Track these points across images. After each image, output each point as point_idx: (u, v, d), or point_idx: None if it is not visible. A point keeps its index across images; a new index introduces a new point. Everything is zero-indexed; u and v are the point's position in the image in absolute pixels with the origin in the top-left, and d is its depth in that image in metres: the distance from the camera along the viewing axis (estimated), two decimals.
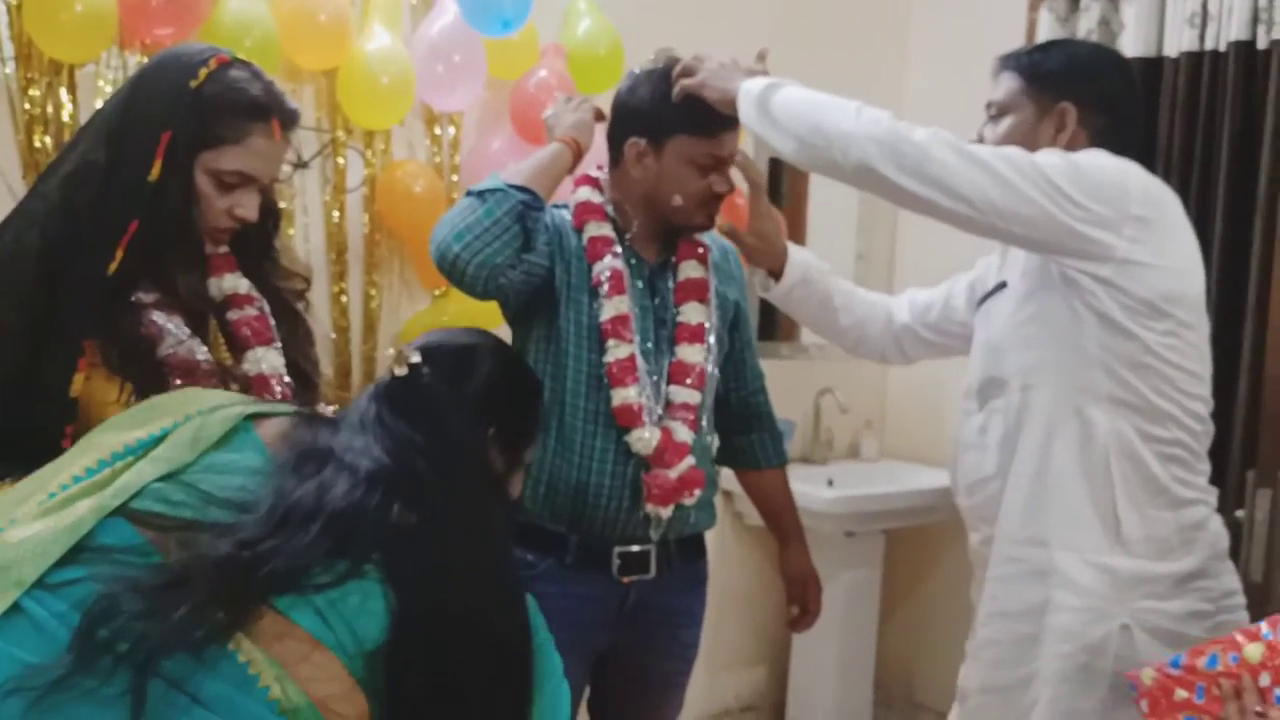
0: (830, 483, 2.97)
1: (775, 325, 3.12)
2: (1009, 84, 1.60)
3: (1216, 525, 1.52)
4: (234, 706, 0.82)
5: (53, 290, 1.23)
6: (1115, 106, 1.57)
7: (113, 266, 1.25)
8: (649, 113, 1.65)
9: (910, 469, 3.13)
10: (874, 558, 3.05)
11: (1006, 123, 1.59)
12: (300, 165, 2.22)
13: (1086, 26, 2.62)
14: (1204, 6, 2.41)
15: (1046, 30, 2.70)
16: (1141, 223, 1.43)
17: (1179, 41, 2.46)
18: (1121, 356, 1.45)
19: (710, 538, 1.83)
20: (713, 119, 1.62)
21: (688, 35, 2.57)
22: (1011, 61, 1.61)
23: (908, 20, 3.26)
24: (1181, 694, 1.26)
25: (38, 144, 1.93)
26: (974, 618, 1.61)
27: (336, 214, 2.30)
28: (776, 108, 1.49)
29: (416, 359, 1.07)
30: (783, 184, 3.07)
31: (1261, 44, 2.32)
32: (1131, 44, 2.53)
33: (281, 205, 2.18)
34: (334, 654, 0.85)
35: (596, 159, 1.78)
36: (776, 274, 1.82)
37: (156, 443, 0.97)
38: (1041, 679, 1.47)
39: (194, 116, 1.27)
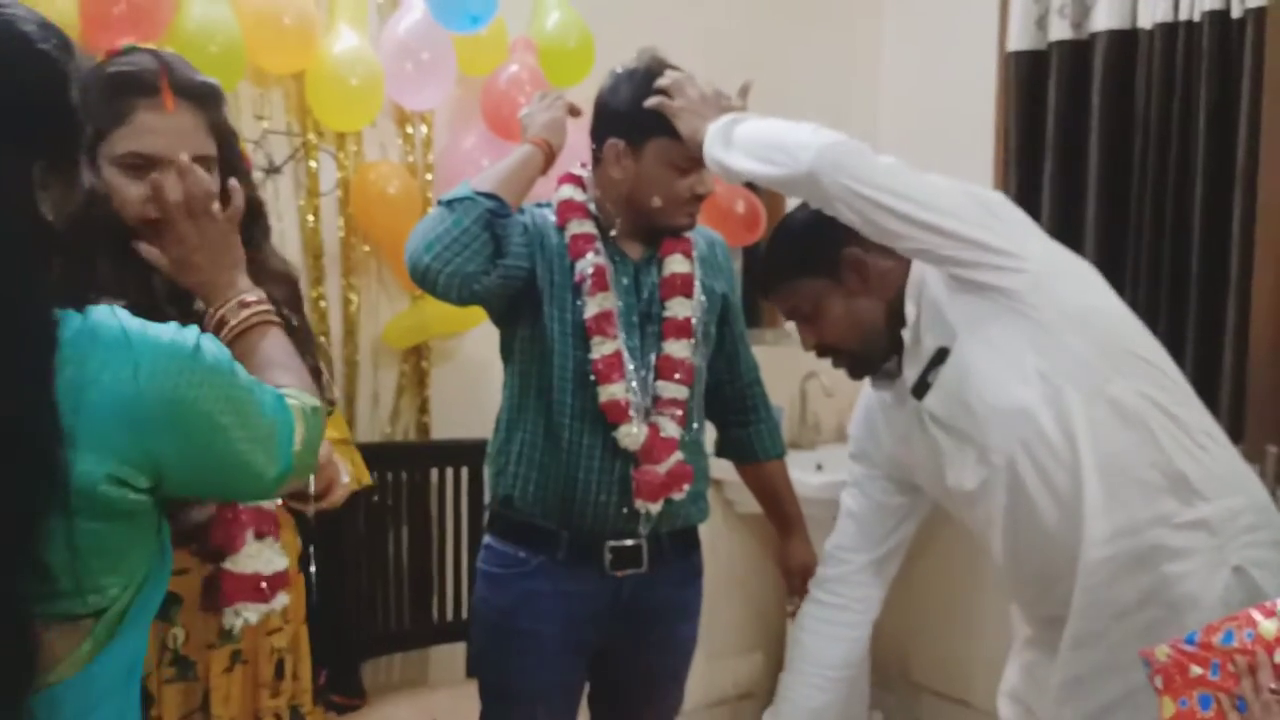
0: (819, 467, 2.97)
1: (758, 312, 3.10)
2: (796, 290, 1.57)
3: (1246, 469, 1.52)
4: None
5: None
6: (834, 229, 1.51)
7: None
8: (628, 114, 1.64)
9: None
10: None
11: (825, 310, 1.55)
12: (273, 170, 2.20)
13: (1059, 1, 2.61)
14: None
15: (1020, 5, 2.69)
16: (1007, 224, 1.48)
17: (1153, 13, 2.45)
18: (1095, 337, 1.45)
19: (703, 528, 1.83)
20: None
21: (657, 25, 2.56)
22: (760, 287, 1.66)
23: (881, 3, 3.24)
24: (1196, 670, 1.24)
25: None
26: (1064, 641, 1.49)
27: (311, 218, 2.27)
28: (737, 135, 1.51)
29: None
30: None
31: (1236, 13, 2.31)
32: (1105, 17, 2.52)
33: None
34: None
35: (580, 156, 1.77)
36: None
37: None
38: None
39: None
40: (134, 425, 0.90)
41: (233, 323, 1.16)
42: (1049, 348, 1.44)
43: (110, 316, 0.92)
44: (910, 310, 1.51)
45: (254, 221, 1.34)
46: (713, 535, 2.86)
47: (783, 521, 1.93)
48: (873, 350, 1.56)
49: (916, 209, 1.41)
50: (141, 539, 0.96)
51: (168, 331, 0.94)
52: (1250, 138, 2.29)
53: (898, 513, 1.71)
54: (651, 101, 1.61)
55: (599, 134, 1.69)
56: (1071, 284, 1.48)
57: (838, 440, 3.26)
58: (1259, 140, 2.27)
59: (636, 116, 1.63)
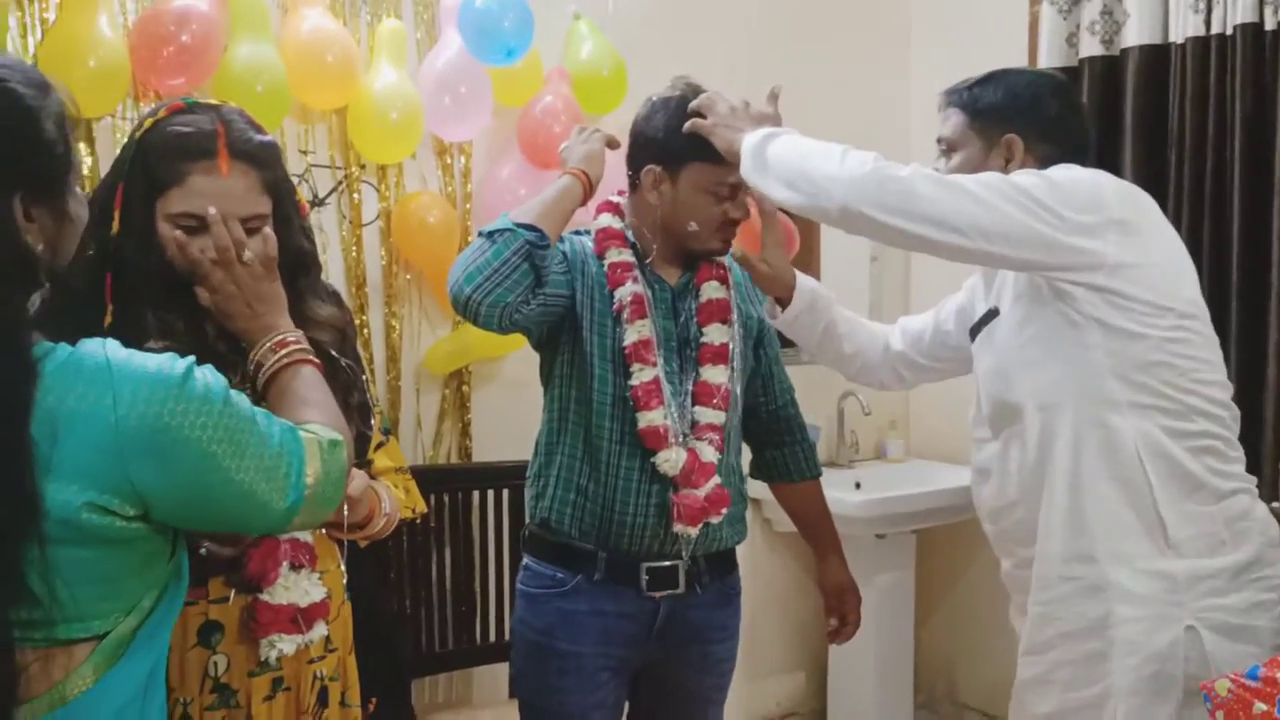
0: (858, 485, 2.97)
1: None
2: (955, 120, 1.65)
3: (1263, 512, 1.50)
4: None
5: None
6: (1058, 132, 1.61)
7: (107, 319, 1.25)
8: (664, 141, 1.67)
9: (938, 468, 3.12)
10: (906, 559, 3.04)
11: (958, 158, 1.64)
12: (318, 203, 2.26)
13: (1090, 17, 2.61)
14: None
15: (1049, 24, 2.69)
16: (1123, 226, 1.45)
17: (1184, 27, 2.45)
18: (1132, 360, 1.44)
19: (741, 547, 1.84)
20: None
21: (688, 52, 2.60)
22: (955, 98, 1.66)
23: (909, 19, 3.26)
24: (1261, 706, 1.21)
25: None
26: (1021, 643, 1.58)
27: (354, 248, 2.33)
28: (770, 157, 1.53)
29: None
30: None
31: (1269, 25, 2.31)
32: (1136, 32, 2.52)
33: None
34: None
35: (618, 184, 1.80)
36: (784, 302, 1.83)
37: None
38: (1115, 694, 1.45)
39: (139, 165, 1.27)
40: (113, 453, 0.91)
41: (268, 364, 1.21)
42: (1071, 356, 1.46)
43: (97, 348, 0.95)
44: None
45: (304, 273, 1.38)
46: (753, 555, 2.87)
47: (819, 542, 1.94)
48: None
49: (961, 239, 1.41)
50: (142, 566, 0.97)
51: (154, 361, 0.96)
52: None
53: (943, 347, 1.86)
54: (687, 126, 1.64)
55: (636, 161, 1.72)
56: (1141, 290, 1.45)
57: (875, 458, 3.26)
58: None
59: (672, 143, 1.66)
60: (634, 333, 1.67)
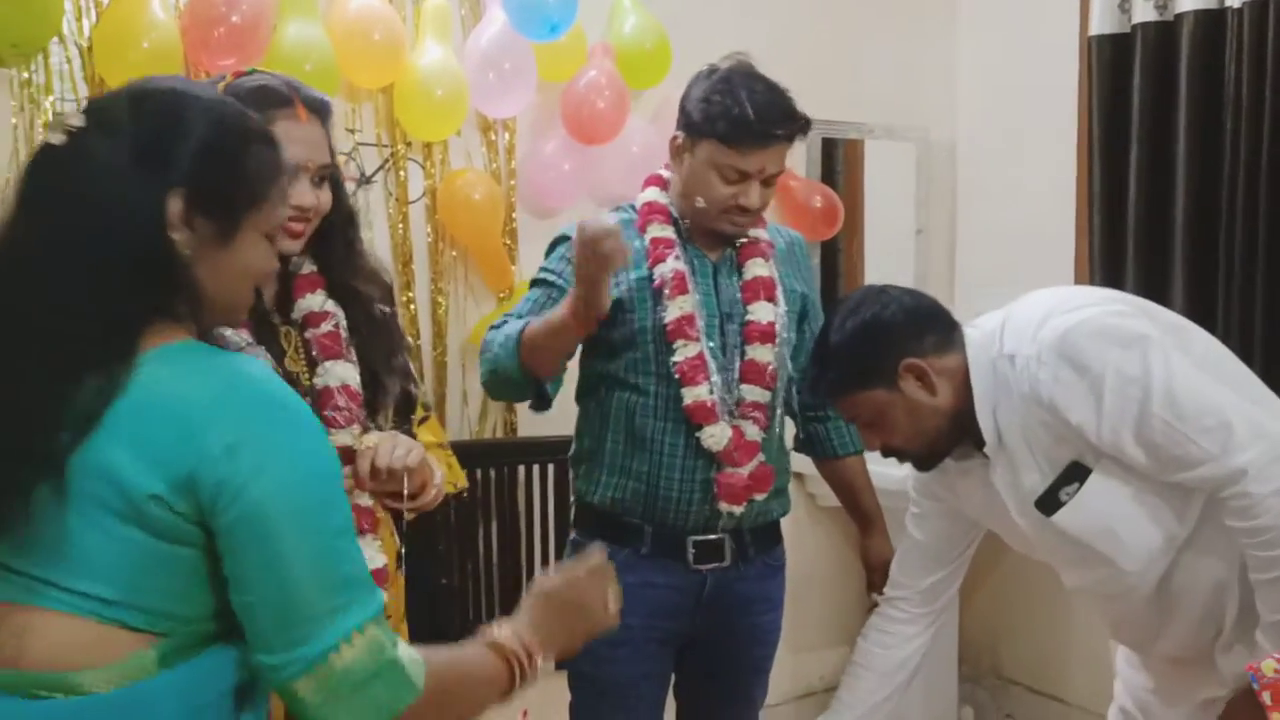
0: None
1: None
2: (854, 396, 1.52)
3: None
4: None
5: None
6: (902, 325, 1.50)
7: None
8: (690, 111, 1.67)
9: None
10: None
11: (884, 415, 1.51)
12: (365, 181, 2.28)
13: None
14: None
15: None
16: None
17: None
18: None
19: (785, 522, 1.85)
20: (740, 133, 1.62)
21: (733, 26, 2.59)
22: (834, 396, 1.56)
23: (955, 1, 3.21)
24: None
25: None
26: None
27: (401, 226, 2.36)
28: None
29: (77, 122, 0.91)
30: (838, 162, 3.05)
31: None
32: None
33: None
34: None
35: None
36: None
37: None
38: None
39: None
40: (218, 481, 0.88)
41: (507, 644, 1.06)
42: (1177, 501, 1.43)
43: (291, 399, 0.93)
44: (987, 422, 1.47)
45: (354, 227, 1.43)
46: (796, 529, 2.87)
47: (862, 517, 1.94)
48: (939, 447, 1.54)
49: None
50: (209, 586, 0.93)
51: (324, 450, 0.94)
52: None
53: (963, 539, 1.73)
54: None
55: (677, 124, 1.72)
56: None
57: None
58: None
59: (695, 114, 1.66)
60: (676, 309, 1.67)
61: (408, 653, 0.95)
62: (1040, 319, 1.43)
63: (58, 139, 0.91)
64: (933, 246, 3.21)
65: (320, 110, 1.36)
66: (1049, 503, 1.46)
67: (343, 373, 1.38)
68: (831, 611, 3.10)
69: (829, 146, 2.96)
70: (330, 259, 1.41)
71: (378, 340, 1.43)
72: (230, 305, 0.99)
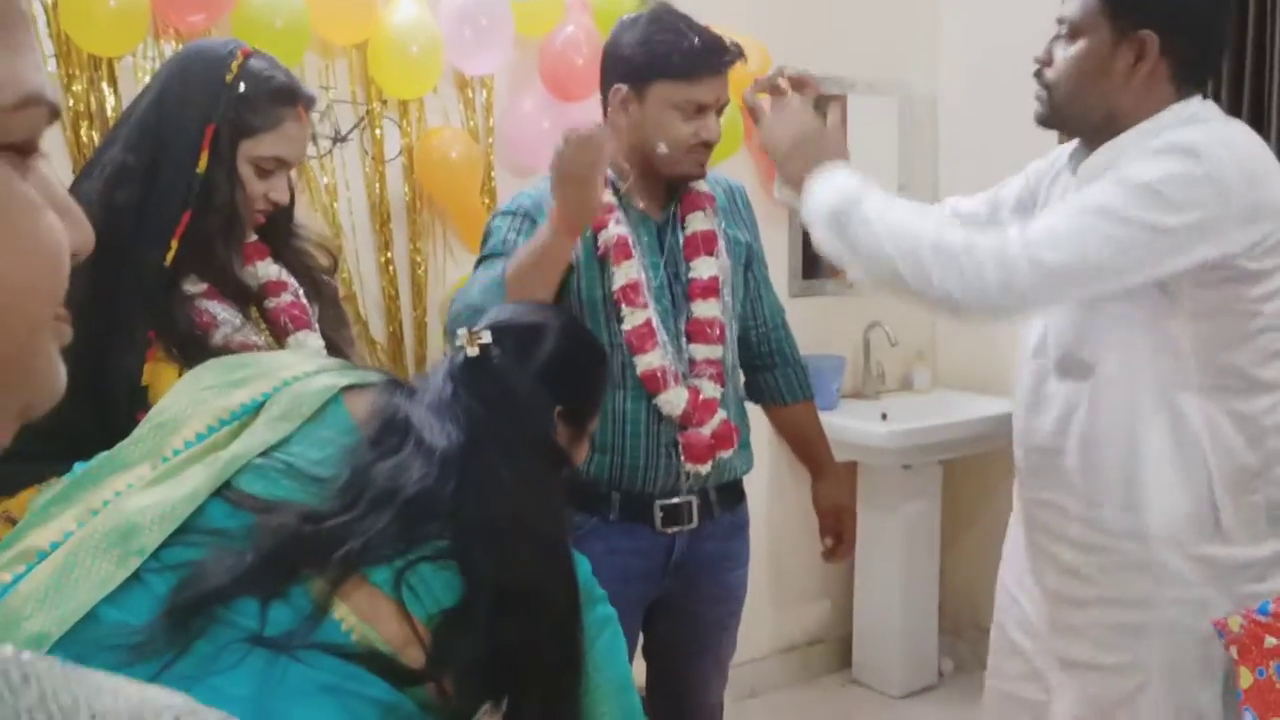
0: (884, 416, 2.97)
1: (818, 262, 3.10)
2: (1093, 17, 1.43)
3: None
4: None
5: (109, 288, 1.28)
6: (1203, 35, 1.42)
7: (169, 258, 1.31)
8: (630, 58, 1.64)
9: (964, 398, 3.12)
10: (932, 489, 3.06)
11: (1079, 46, 1.43)
12: (340, 139, 2.25)
13: None
14: None
15: None
16: (1247, 211, 1.33)
17: None
18: (1219, 340, 1.38)
19: (765, 477, 1.87)
20: (693, 63, 1.60)
21: None
22: None
23: None
24: (1271, 641, 1.25)
25: (84, 139, 1.98)
26: (1046, 579, 1.57)
27: (377, 185, 2.33)
28: (856, 232, 1.40)
29: (487, 339, 1.09)
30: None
31: None
32: None
33: (324, 180, 2.26)
34: (408, 608, 0.92)
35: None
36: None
37: (258, 409, 1.01)
38: (1150, 668, 1.45)
39: (233, 108, 1.33)
40: None
41: None
42: (1157, 327, 1.41)
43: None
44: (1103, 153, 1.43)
45: (293, 201, 1.48)
46: (778, 484, 2.89)
47: (813, 463, 1.95)
48: (1072, 120, 1.47)
49: (1085, 293, 1.37)
50: None
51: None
52: None
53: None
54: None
55: (605, 83, 1.68)
56: (1257, 264, 1.36)
57: (902, 389, 3.26)
58: None
59: (638, 59, 1.63)
60: (621, 276, 1.65)
61: None
62: None
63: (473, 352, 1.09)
64: (916, 201, 3.20)
65: (311, 108, 1.41)
66: None
67: (315, 343, 1.40)
68: (811, 566, 3.12)
69: (816, 104, 2.93)
70: (275, 232, 1.45)
71: (328, 310, 1.47)
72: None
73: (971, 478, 3.17)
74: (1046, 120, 1.51)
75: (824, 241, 1.45)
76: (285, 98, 1.36)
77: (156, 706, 0.35)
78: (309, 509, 0.92)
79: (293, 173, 1.46)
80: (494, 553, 0.96)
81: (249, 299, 1.41)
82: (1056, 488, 1.54)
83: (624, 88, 1.65)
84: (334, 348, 1.45)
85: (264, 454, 0.97)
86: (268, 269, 1.43)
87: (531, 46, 2.40)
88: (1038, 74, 1.50)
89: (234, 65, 1.34)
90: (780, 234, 2.91)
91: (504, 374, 1.09)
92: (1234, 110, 2.32)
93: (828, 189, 1.44)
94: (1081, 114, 1.45)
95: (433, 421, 1.01)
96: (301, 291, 1.44)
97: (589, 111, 2.41)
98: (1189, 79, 1.43)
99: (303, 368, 1.07)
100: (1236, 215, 1.33)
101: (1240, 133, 1.42)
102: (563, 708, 1.00)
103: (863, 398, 3.13)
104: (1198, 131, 1.37)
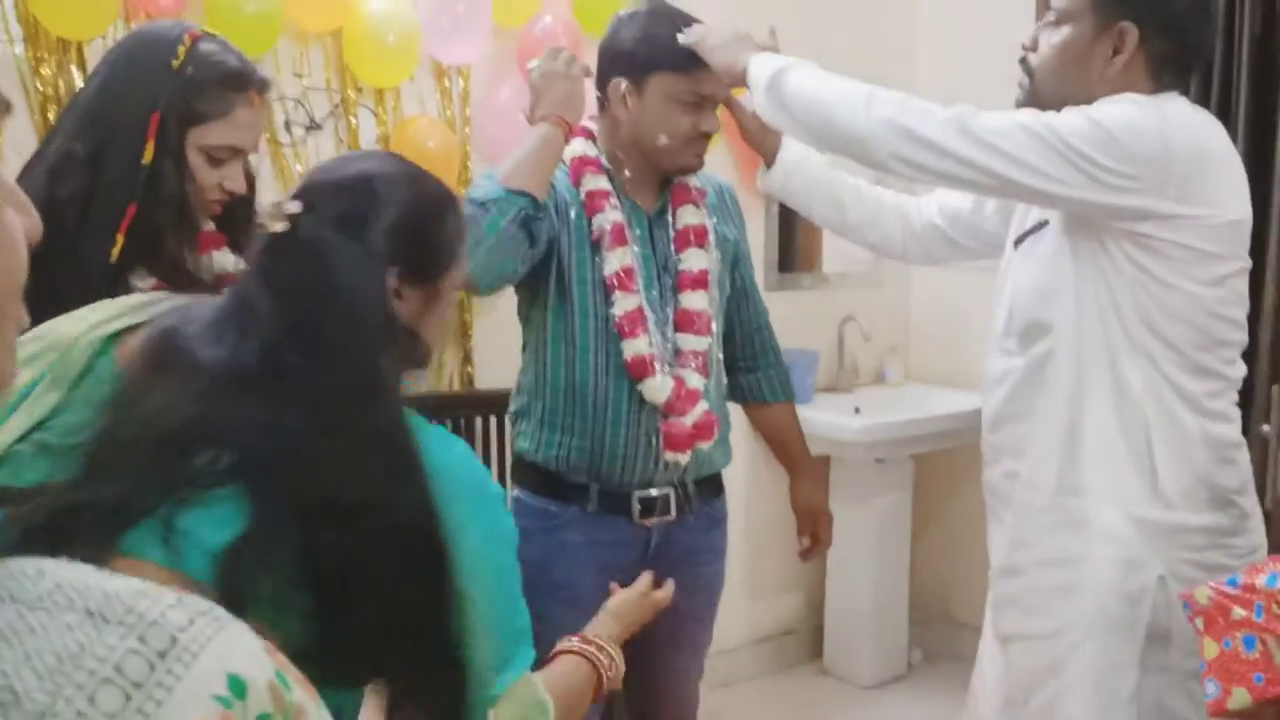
0: (857, 410, 2.99)
1: (794, 256, 3.11)
2: (1081, 6, 1.48)
3: (1246, 478, 1.51)
4: None
5: (51, 283, 1.24)
6: (1182, 32, 1.46)
7: (115, 252, 1.26)
8: (630, 52, 1.65)
9: (936, 392, 3.15)
10: (904, 482, 3.09)
11: (1063, 33, 1.48)
12: (313, 127, 2.23)
13: None
14: None
15: None
16: (1186, 179, 1.38)
17: None
18: (1162, 309, 1.42)
19: (741, 470, 1.87)
20: (692, 55, 1.62)
21: None
22: None
23: None
24: (1240, 612, 1.25)
25: (54, 123, 1.94)
26: (997, 557, 1.62)
27: None
28: (789, 97, 1.48)
29: (295, 208, 0.93)
30: None
31: None
32: None
33: (297, 168, 2.23)
34: (189, 575, 0.79)
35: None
36: (771, 160, 1.78)
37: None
38: (1078, 629, 1.48)
39: (180, 95, 1.27)
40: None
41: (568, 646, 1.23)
42: (1104, 293, 1.44)
43: (464, 458, 0.98)
44: None
45: (253, 190, 1.41)
46: (754, 477, 2.90)
47: (792, 464, 1.96)
48: (1050, 107, 1.48)
49: (999, 183, 1.40)
50: None
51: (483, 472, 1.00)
52: None
53: (979, 230, 1.76)
54: (685, 38, 1.60)
55: (603, 77, 1.69)
56: (1193, 239, 1.40)
57: (875, 383, 3.28)
58: None
59: (638, 53, 1.64)
60: (615, 260, 1.66)
61: (549, 701, 1.04)
62: None
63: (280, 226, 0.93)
64: (891, 182, 3.21)
65: (265, 92, 1.35)
66: (1020, 240, 1.57)
67: None
68: (786, 559, 3.13)
69: None
70: (233, 222, 1.39)
71: None
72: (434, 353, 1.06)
73: (942, 471, 3.20)
74: (1026, 105, 1.54)
75: (764, 108, 1.52)
76: (236, 83, 1.29)
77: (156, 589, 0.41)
78: (63, 486, 0.80)
79: (254, 160, 1.41)
80: (295, 464, 0.83)
81: (201, 291, 1.37)
82: (1012, 456, 1.57)
83: (623, 81, 1.65)
84: None
85: (22, 438, 0.86)
86: (224, 259, 1.38)
87: (509, 37, 2.39)
88: (1023, 60, 1.54)
89: (181, 50, 1.28)
90: (757, 228, 2.91)
91: (317, 244, 0.92)
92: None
93: (762, 64, 1.52)
94: (1059, 100, 1.48)
95: (209, 335, 0.88)
96: None
97: None
98: (1166, 76, 1.46)
99: (91, 319, 0.93)
100: (1171, 180, 1.37)
101: (1207, 120, 1.47)
102: (435, 646, 0.87)
103: (836, 391, 3.14)
104: (1168, 106, 1.43)
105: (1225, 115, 2.37)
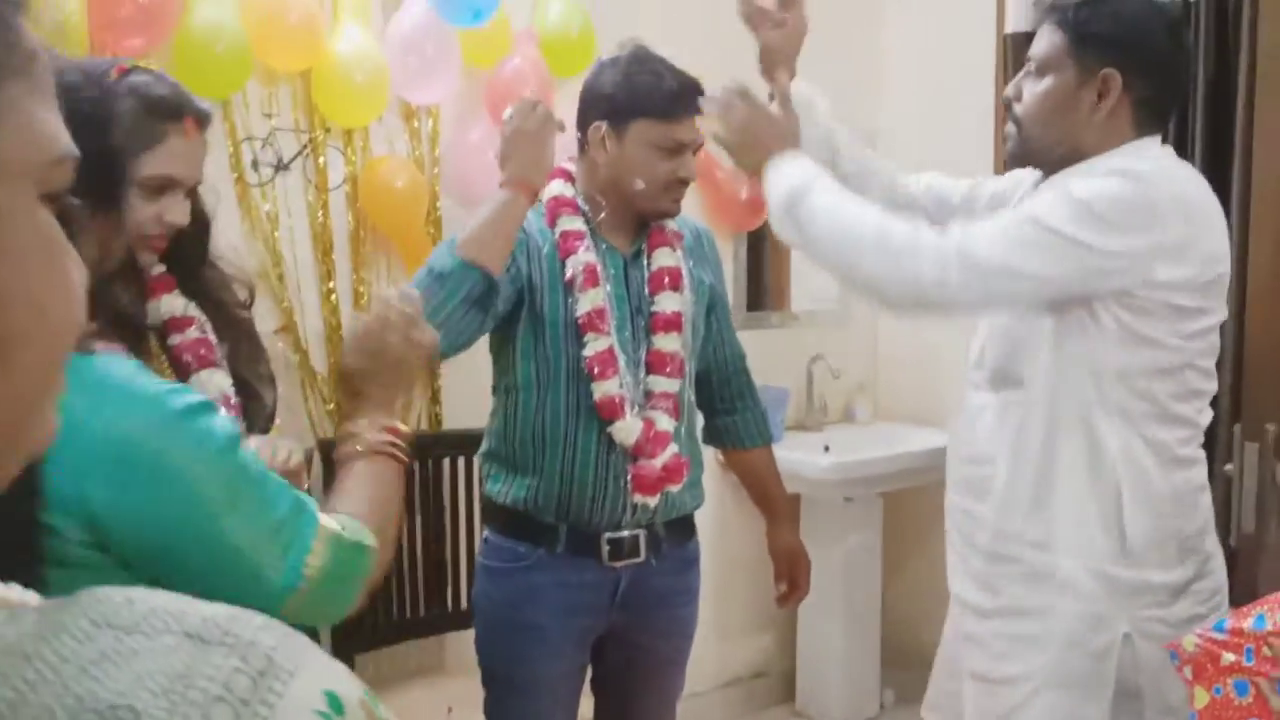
0: (826, 449, 2.99)
1: (764, 294, 3.13)
2: (1051, 39, 1.49)
3: (1209, 516, 1.52)
4: None
5: None
6: (1163, 74, 1.48)
7: None
8: (611, 95, 1.66)
9: (904, 430, 3.16)
10: (873, 521, 3.09)
11: (1046, 83, 1.49)
12: (281, 167, 2.23)
13: None
14: None
15: None
16: (1179, 243, 1.39)
17: None
18: (1141, 367, 1.42)
19: (711, 510, 1.86)
20: (673, 103, 1.63)
21: (659, 14, 2.57)
22: (1056, 15, 1.49)
23: None
24: (1229, 657, 1.24)
25: None
26: (961, 588, 1.61)
27: (320, 214, 2.31)
28: (803, 220, 1.49)
29: None
30: None
31: None
32: None
33: (265, 208, 2.22)
34: None
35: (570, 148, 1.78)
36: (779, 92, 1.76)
37: None
38: (1038, 678, 1.47)
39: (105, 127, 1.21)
40: (72, 465, 0.85)
41: (366, 442, 1.14)
42: (1082, 351, 1.44)
43: (106, 363, 0.90)
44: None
45: (206, 231, 1.36)
46: (722, 517, 2.89)
47: (770, 508, 1.96)
48: (1039, 154, 1.51)
49: (1016, 305, 1.45)
50: None
51: (162, 386, 0.92)
52: (1246, 116, 2.30)
53: (969, 217, 1.70)
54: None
55: (584, 120, 1.70)
56: (1180, 298, 1.41)
57: (844, 421, 3.29)
58: (1254, 118, 2.28)
59: (618, 98, 1.65)
60: (587, 302, 1.66)
61: (349, 523, 1.02)
62: None
63: None
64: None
65: (206, 122, 1.29)
66: None
67: (220, 382, 1.30)
68: (756, 599, 3.12)
69: None
70: (183, 263, 1.34)
71: (242, 346, 1.36)
72: None
73: (911, 509, 3.20)
74: (1017, 156, 1.57)
75: (780, 230, 1.54)
76: (166, 111, 1.24)
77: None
78: None
79: (210, 198, 1.37)
80: None
81: (145, 338, 1.32)
82: (978, 497, 1.57)
83: (604, 125, 1.67)
84: (246, 385, 1.35)
85: None
86: (172, 303, 1.31)
87: (479, 77, 2.40)
88: (1008, 108, 1.55)
89: (105, 80, 1.22)
90: (725, 267, 2.93)
91: None
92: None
93: (780, 179, 1.52)
94: (1047, 148, 1.50)
95: None
96: (209, 326, 1.33)
97: None
98: (1149, 119, 1.49)
99: None
100: (1165, 248, 1.38)
101: (1187, 173, 1.49)
102: None
103: (805, 430, 3.15)
104: (1145, 162, 1.44)
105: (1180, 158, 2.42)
